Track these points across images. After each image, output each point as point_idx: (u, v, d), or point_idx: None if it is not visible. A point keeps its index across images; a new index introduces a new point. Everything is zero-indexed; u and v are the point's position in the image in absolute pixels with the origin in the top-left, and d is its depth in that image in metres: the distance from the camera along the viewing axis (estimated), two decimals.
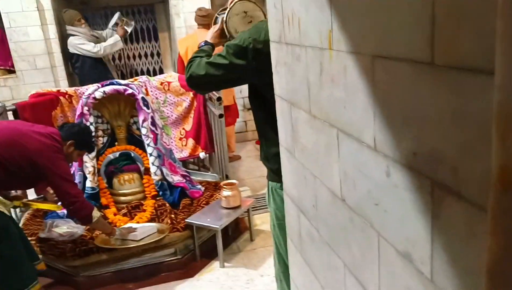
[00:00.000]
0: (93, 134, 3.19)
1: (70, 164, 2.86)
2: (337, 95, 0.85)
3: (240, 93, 5.40)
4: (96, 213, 2.55)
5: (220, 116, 3.43)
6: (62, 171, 2.44)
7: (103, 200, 3.16)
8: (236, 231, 3.29)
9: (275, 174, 1.65)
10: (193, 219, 2.89)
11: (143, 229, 2.86)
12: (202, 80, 1.63)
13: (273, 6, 1.15)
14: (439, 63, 0.53)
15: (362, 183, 0.80)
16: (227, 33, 1.76)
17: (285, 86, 1.19)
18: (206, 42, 1.82)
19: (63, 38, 4.93)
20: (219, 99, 3.38)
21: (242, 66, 1.56)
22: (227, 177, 3.53)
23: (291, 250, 1.40)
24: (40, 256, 2.79)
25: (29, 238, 2.84)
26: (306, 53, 0.98)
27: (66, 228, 2.80)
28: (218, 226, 2.77)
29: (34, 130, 2.46)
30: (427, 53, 0.55)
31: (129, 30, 4.76)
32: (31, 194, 2.98)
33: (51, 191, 2.74)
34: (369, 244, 0.80)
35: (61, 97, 3.36)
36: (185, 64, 4.66)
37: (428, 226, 0.61)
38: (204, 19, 4.24)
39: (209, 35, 1.84)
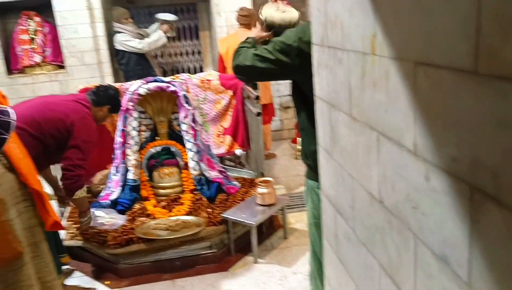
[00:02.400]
0: (137, 128, 3.32)
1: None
2: (379, 99, 0.86)
3: (277, 92, 5.43)
4: (80, 193, 2.55)
5: (258, 114, 3.47)
6: (81, 139, 2.45)
7: (144, 192, 3.28)
8: (270, 228, 3.33)
9: (314, 172, 1.67)
10: (229, 214, 2.95)
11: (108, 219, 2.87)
12: (248, 71, 1.71)
13: (316, 9, 1.18)
14: (482, 72, 0.54)
15: (400, 186, 0.81)
16: (262, 18, 1.88)
17: (325, 88, 1.21)
18: (249, 37, 1.91)
19: (110, 35, 5.13)
20: (257, 97, 3.42)
21: (286, 63, 1.61)
22: (262, 175, 3.58)
23: (327, 249, 1.42)
24: (83, 243, 2.94)
25: (74, 226, 3.00)
26: (348, 56, 1.00)
27: (108, 217, 2.93)
28: (253, 222, 2.82)
29: (61, 99, 2.57)
30: (471, 62, 0.56)
31: (169, 35, 4.93)
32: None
33: (95, 181, 2.84)
34: (405, 246, 0.81)
35: None
36: (225, 63, 4.74)
37: (467, 230, 0.62)
38: (246, 19, 4.30)
39: (253, 32, 1.95)
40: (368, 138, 0.94)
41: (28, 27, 5.13)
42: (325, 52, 1.16)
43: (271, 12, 1.88)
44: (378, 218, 0.94)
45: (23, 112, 2.41)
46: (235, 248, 3.01)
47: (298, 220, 3.44)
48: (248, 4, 5.00)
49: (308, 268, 2.00)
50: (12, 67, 5.17)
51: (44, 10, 5.12)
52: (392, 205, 0.86)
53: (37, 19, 5.15)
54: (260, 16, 1.90)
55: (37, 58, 5.16)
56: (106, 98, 2.66)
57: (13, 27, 5.20)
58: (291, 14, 1.88)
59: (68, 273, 2.92)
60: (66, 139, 2.46)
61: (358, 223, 1.08)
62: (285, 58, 1.60)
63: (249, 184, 3.55)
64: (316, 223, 1.76)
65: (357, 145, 1.01)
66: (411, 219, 0.78)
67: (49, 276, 1.86)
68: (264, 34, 1.88)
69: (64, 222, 3.18)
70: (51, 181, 2.89)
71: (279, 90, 5.44)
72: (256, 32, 1.92)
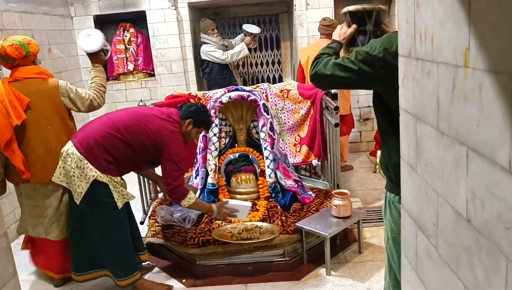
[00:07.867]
0: (218, 135, 3.46)
1: (200, 150, 3.03)
2: (470, 113, 0.83)
3: (357, 103, 5.34)
4: (188, 201, 2.68)
5: (336, 125, 3.44)
6: (174, 153, 2.62)
7: (221, 197, 3.40)
8: (344, 241, 3.28)
9: (394, 184, 1.61)
10: (303, 224, 2.95)
11: (240, 208, 2.92)
12: (327, 79, 1.69)
13: (405, 21, 1.16)
14: None
15: (492, 204, 0.77)
16: (344, 15, 1.82)
17: (411, 100, 1.18)
18: (334, 40, 1.86)
19: (196, 46, 5.41)
20: (336, 108, 3.39)
21: (368, 73, 1.58)
22: (338, 186, 3.53)
23: (405, 266, 1.38)
24: (163, 241, 3.12)
25: (156, 224, 3.19)
26: (437, 69, 0.97)
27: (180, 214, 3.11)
28: (327, 234, 2.79)
29: (154, 114, 2.73)
30: None
31: (251, 46, 5.11)
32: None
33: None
34: (496, 269, 0.77)
35: (191, 100, 3.70)
36: (305, 73, 4.74)
37: None
38: (328, 29, 4.30)
39: (336, 32, 1.87)
40: (456, 153, 0.91)
41: (124, 38, 5.59)
42: (412, 64, 1.14)
43: (350, 6, 1.81)
44: (465, 237, 0.90)
45: (122, 117, 2.67)
46: (308, 258, 2.99)
47: (374, 235, 3.34)
48: (331, 15, 5.00)
49: (383, 285, 1.94)
50: (109, 75, 5.66)
51: (139, 22, 5.56)
52: (481, 225, 0.82)
53: (132, 30, 5.60)
54: (348, 11, 1.82)
55: (130, 66, 5.60)
56: (188, 112, 2.78)
57: (111, 38, 5.70)
58: (373, 4, 1.79)
59: (149, 269, 3.11)
60: (154, 152, 2.66)
61: (441, 241, 1.04)
62: (368, 69, 1.57)
63: (324, 195, 3.52)
64: (394, 238, 1.70)
65: (444, 160, 0.98)
66: (503, 241, 0.74)
67: None
68: (349, 31, 1.81)
69: (146, 221, 3.40)
70: (151, 174, 3.18)
71: (359, 101, 5.35)
72: (338, 32, 1.85)
